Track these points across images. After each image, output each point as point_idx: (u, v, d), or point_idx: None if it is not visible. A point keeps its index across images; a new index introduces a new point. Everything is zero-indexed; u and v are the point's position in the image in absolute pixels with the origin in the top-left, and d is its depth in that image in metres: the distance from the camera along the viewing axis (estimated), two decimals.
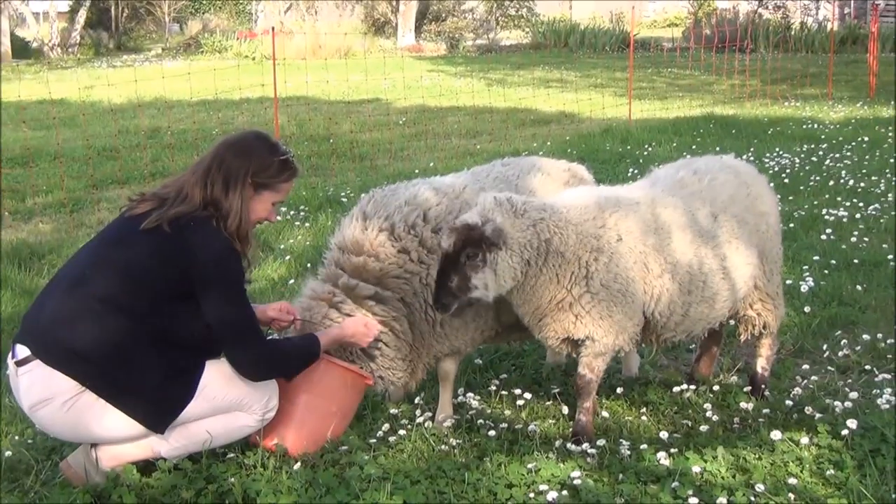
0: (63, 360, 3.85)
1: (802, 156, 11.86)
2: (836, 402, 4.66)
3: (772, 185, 5.34)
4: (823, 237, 7.89)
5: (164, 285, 3.95)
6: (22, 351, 3.91)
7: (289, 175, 4.26)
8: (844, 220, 8.50)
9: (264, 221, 4.34)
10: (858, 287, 6.62)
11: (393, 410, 4.81)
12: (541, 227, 4.25)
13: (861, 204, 9.06)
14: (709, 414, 4.70)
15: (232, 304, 4.04)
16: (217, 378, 4.06)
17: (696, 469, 4.00)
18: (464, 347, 4.79)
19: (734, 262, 4.69)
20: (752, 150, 12.34)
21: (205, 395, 4.01)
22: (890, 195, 9.38)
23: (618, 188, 4.75)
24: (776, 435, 4.25)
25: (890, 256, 7.20)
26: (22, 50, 33.42)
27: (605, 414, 4.80)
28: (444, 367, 4.86)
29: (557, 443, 4.39)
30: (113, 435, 3.96)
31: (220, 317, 4.00)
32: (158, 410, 3.95)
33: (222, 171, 4.11)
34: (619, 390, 5.03)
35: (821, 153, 12.00)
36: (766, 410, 4.73)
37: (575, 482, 3.93)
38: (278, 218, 4.50)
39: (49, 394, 3.85)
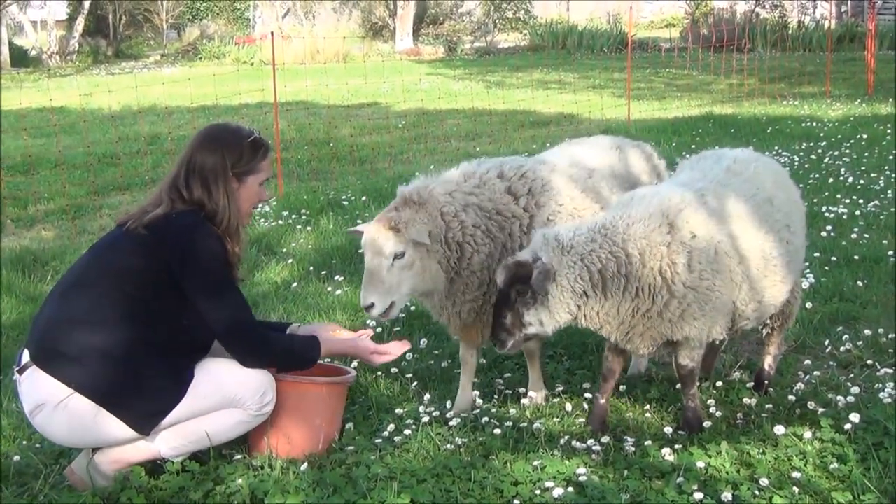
0: (52, 363, 3.89)
1: (801, 154, 11.88)
2: (839, 397, 4.68)
3: None
4: (824, 234, 7.91)
5: (151, 287, 3.98)
6: (25, 357, 3.97)
7: (263, 152, 4.25)
8: (844, 216, 8.51)
9: (258, 205, 4.36)
10: (859, 283, 6.64)
11: (398, 411, 4.84)
12: (590, 260, 4.17)
13: (861, 201, 9.07)
14: (712, 410, 4.72)
15: (222, 291, 4.04)
16: (207, 376, 4.06)
17: (700, 464, 4.03)
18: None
19: (797, 245, 4.72)
20: (751, 148, 12.32)
21: (196, 393, 4.02)
22: (889, 191, 9.40)
23: (670, 187, 4.63)
24: (779, 430, 4.28)
25: (890, 252, 7.21)
26: (20, 58, 33.48)
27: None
28: (528, 345, 4.90)
29: (562, 440, 4.41)
30: (107, 438, 3.98)
31: (211, 305, 4.00)
32: (144, 412, 3.96)
33: (198, 173, 4.09)
34: (622, 388, 5.05)
35: (820, 151, 12.03)
36: (769, 406, 4.75)
37: (580, 479, 3.95)
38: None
39: (42, 398, 3.89)
